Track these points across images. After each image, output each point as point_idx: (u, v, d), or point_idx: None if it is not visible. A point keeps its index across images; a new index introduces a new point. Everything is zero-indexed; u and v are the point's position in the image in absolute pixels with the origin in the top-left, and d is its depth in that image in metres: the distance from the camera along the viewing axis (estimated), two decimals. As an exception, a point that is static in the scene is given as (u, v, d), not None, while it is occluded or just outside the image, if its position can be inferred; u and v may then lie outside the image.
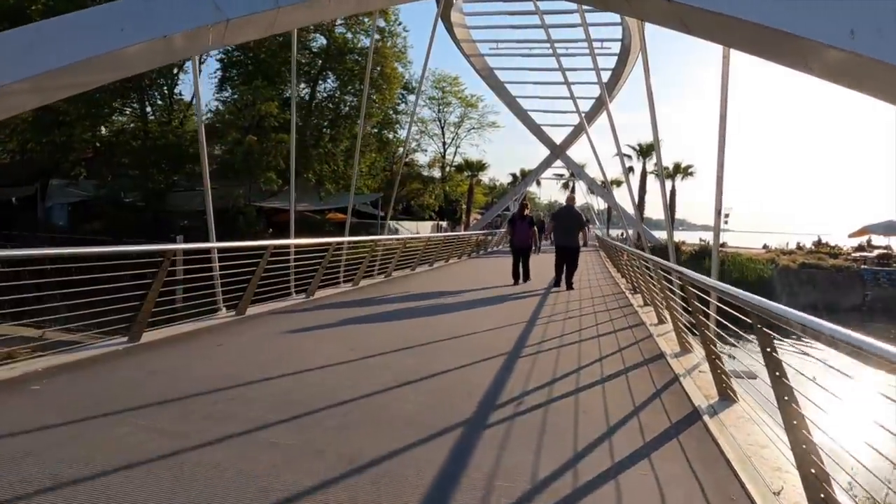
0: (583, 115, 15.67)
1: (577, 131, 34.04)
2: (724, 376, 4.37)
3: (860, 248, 41.29)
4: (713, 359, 4.42)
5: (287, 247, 8.23)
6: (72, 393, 4.01)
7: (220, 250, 6.94)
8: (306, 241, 8.52)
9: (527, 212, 13.04)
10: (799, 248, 43.55)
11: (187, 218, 39.83)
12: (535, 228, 12.78)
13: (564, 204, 13.02)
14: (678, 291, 6.56)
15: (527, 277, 12.37)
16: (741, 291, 3.70)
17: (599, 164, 17.62)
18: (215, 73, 41.93)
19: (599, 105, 31.63)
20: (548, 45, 23.38)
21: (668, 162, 48.65)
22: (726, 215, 48.43)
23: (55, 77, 4.96)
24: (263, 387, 4.29)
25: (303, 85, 45.25)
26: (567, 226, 11.73)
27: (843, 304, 31.42)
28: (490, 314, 8.20)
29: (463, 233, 25.40)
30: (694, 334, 6.11)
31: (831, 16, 3.52)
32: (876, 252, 38.63)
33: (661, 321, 7.84)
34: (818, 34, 3.66)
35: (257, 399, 4.00)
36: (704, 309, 4.77)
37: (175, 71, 42.02)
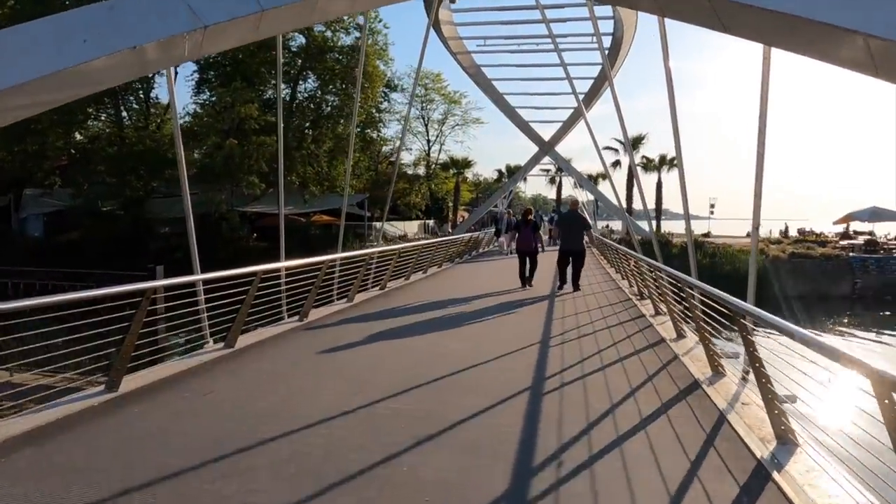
0: (580, 99, 14.98)
1: (566, 127, 33.54)
2: (784, 419, 3.89)
3: (845, 235, 41.43)
4: (770, 398, 3.93)
5: (277, 270, 7.62)
6: (36, 478, 3.38)
7: (206, 281, 6.32)
8: (297, 262, 7.91)
9: (530, 217, 13.37)
10: (784, 236, 43.78)
11: (168, 225, 38.87)
12: (540, 232, 13.16)
13: (568, 208, 13.26)
14: (700, 306, 6.11)
15: (529, 283, 12.53)
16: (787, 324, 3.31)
17: (599, 153, 16.90)
18: (192, 75, 40.84)
19: (588, 101, 31.16)
20: (537, 40, 22.83)
21: (653, 154, 48.59)
22: (712, 205, 48.54)
23: (10, 97, 4.33)
24: (260, 453, 3.71)
25: (283, 85, 44.38)
26: (571, 229, 12.11)
27: (833, 293, 31.42)
28: (499, 333, 7.67)
29: (456, 236, 24.59)
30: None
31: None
32: (861, 238, 38.79)
33: (679, 335, 7.39)
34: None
35: (255, 470, 3.44)
36: (751, 339, 4.26)
37: (150, 74, 40.98)
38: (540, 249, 13.18)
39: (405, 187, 45.45)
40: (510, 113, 32.19)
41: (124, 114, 40.39)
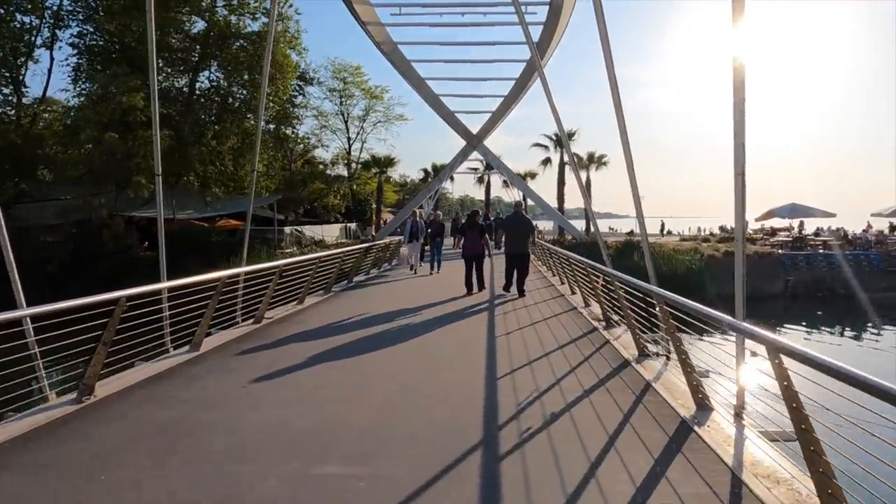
0: (536, 57, 11.60)
1: (496, 118, 30.69)
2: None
3: (772, 232, 41.59)
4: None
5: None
6: None
7: None
8: (63, 304, 4.53)
9: (477, 219, 12.68)
10: (711, 234, 43.88)
11: (48, 233, 33.41)
12: (487, 236, 12.46)
13: (513, 210, 12.66)
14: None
15: (481, 286, 12.22)
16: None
17: (556, 114, 11.73)
18: (66, 60, 35.44)
19: (519, 88, 28.44)
20: (462, 9, 19.74)
21: (581, 152, 46.98)
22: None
23: None
24: None
25: (180, 74, 39.65)
26: (516, 233, 11.70)
27: (768, 291, 30.88)
28: (412, 416, 4.59)
29: (356, 246, 17.52)
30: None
31: None
32: (783, 234, 39.05)
33: (702, 404, 4.61)
34: None
35: None
36: None
37: (21, 60, 35.20)
38: (487, 253, 12.39)
39: (322, 188, 41.55)
40: (434, 102, 28.93)
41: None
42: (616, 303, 7.19)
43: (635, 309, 6.58)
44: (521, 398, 4.86)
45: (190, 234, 31.36)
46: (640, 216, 6.36)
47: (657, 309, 4.73)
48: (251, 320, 8.61)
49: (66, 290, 7.61)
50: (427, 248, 17.39)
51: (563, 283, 13.71)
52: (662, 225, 44.66)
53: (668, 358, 6.23)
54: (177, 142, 32.81)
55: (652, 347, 6.55)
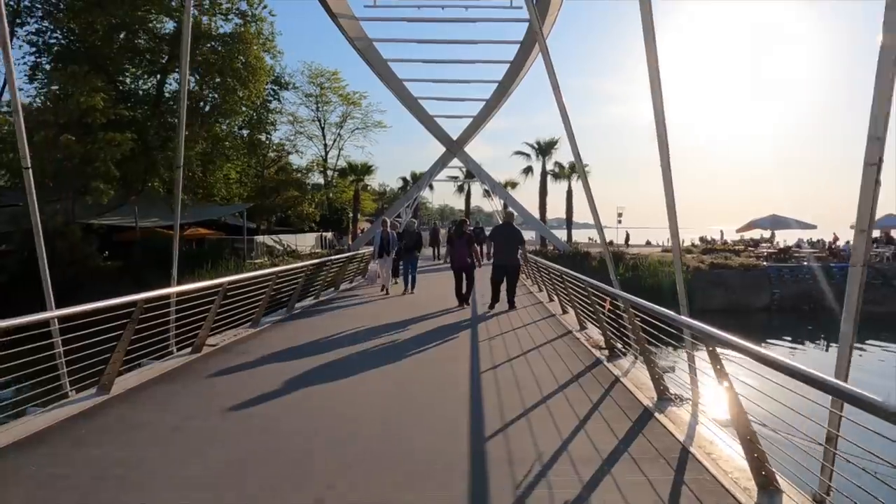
0: (538, 16, 10.16)
1: (478, 122, 29.48)
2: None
3: (757, 243, 41.32)
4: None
5: None
6: None
7: None
8: None
9: (465, 228, 12.11)
10: (693, 245, 43.50)
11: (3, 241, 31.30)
12: (477, 246, 12.08)
13: (503, 219, 12.29)
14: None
15: (466, 300, 11.60)
16: None
17: (560, 105, 10.80)
18: (23, 59, 33.51)
19: (500, 95, 27.27)
20: (441, 2, 18.51)
21: (564, 162, 46.15)
22: (620, 214, 46.93)
23: None
24: None
25: (147, 76, 37.95)
26: (506, 243, 11.33)
27: (755, 305, 30.33)
28: None
29: (301, 263, 14.25)
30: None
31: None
32: (764, 247, 38.90)
33: (767, 485, 3.38)
34: None
35: None
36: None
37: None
38: (477, 264, 11.96)
39: (296, 195, 39.98)
40: (413, 105, 27.52)
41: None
42: (626, 332, 5.95)
43: (651, 340, 5.37)
44: (519, 476, 3.55)
45: (154, 244, 29.62)
46: (674, 233, 5.13)
47: (706, 352, 3.43)
48: (189, 349, 7.19)
49: (18, 305, 6.40)
50: (400, 263, 14.86)
51: (551, 301, 12.51)
52: (627, 236, 44.05)
53: (693, 403, 5.04)
54: (141, 146, 31.07)
55: (671, 386, 5.33)
